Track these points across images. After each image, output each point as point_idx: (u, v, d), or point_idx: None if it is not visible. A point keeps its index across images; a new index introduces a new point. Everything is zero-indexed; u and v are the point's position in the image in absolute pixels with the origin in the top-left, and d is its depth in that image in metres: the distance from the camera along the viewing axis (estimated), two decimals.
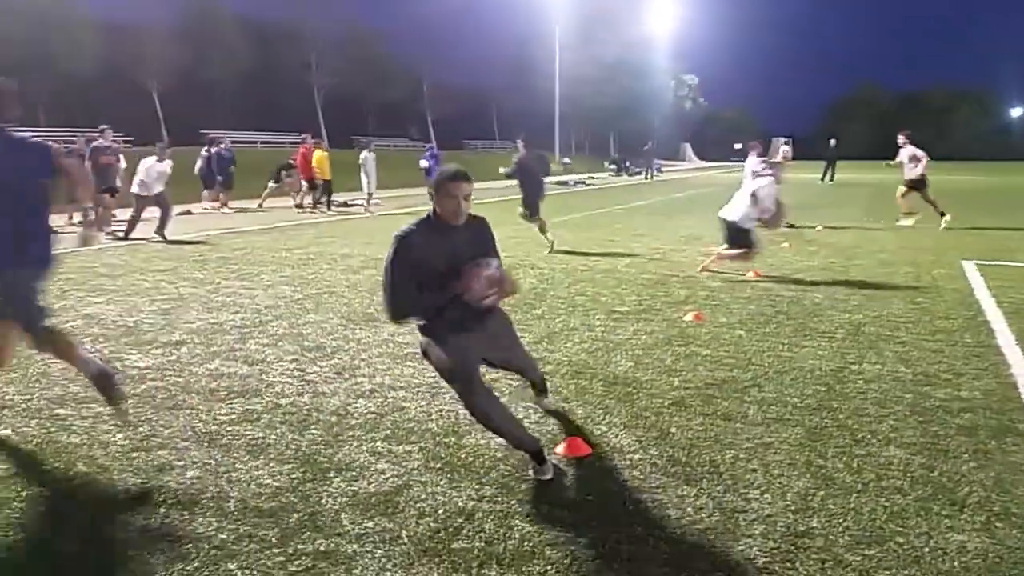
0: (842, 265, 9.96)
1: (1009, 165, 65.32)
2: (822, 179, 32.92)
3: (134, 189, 12.94)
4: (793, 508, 3.26)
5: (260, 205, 20.00)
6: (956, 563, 2.83)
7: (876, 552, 2.91)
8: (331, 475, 3.58)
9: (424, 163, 23.06)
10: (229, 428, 4.19)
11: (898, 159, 15.37)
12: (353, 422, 4.28)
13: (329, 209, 19.15)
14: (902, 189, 15.39)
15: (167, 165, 13.00)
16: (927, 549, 2.93)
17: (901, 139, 15.31)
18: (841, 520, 3.16)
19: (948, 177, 40.91)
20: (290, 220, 16.74)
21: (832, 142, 35.01)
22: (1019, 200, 23.40)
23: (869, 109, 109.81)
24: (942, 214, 14.55)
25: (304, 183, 19.74)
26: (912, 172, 14.96)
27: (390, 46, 59.80)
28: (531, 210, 11.37)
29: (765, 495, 3.39)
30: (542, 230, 11.55)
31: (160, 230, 12.63)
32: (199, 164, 19.84)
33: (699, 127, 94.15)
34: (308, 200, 19.75)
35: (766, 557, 2.87)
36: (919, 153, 14.84)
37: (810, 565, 2.82)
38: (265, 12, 54.83)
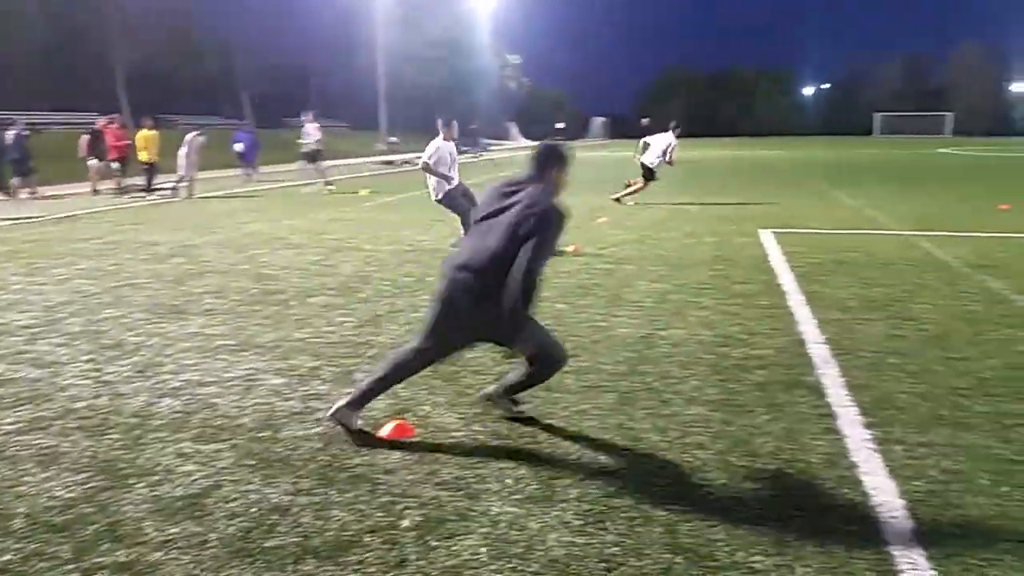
0: (654, 238, 10.50)
1: (804, 140, 71.40)
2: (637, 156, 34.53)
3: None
4: (605, 470, 3.41)
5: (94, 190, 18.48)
6: (751, 510, 3.07)
7: (680, 506, 3.09)
8: (132, 481, 3.35)
9: (238, 147, 21.94)
10: (16, 438, 3.82)
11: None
12: (157, 423, 4.02)
13: (150, 193, 17.86)
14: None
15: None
16: (726, 499, 3.15)
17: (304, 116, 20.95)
18: (648, 478, 3.33)
19: (752, 153, 44.21)
20: (91, 207, 15.46)
21: (644, 121, 36.79)
22: (811, 171, 25.63)
23: (682, 89, 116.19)
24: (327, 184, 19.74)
25: (115, 165, 18.31)
26: (307, 146, 20.41)
27: (200, 19, 56.14)
28: None
29: (580, 460, 3.52)
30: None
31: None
32: None
33: (524, 106, 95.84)
34: (122, 183, 18.33)
35: (580, 520, 2.98)
36: (312, 128, 20.33)
37: (620, 524, 2.96)
38: None
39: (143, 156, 18.20)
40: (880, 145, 53.52)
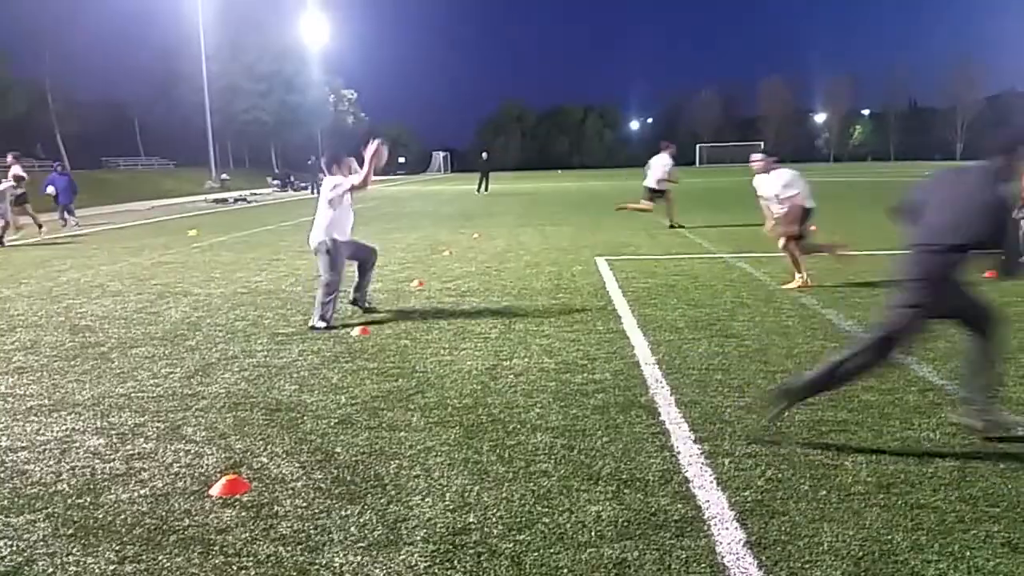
0: (496, 269, 10.66)
1: (631, 171, 75.13)
2: (477, 190, 35.10)
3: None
4: (452, 507, 3.38)
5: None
6: (593, 533, 3.13)
7: (526, 536, 3.11)
8: None
9: (50, 189, 20.40)
10: None
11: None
12: None
13: None
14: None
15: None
16: (569, 525, 3.20)
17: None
18: (495, 511, 3.34)
19: (584, 184, 46.01)
20: None
21: (484, 155, 37.53)
22: (636, 200, 26.91)
23: (516, 124, 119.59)
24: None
25: None
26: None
27: (3, 50, 51.76)
28: None
29: (426, 499, 3.47)
30: None
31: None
32: None
33: (363, 141, 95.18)
34: None
35: (426, 562, 2.93)
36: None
37: (467, 561, 2.93)
38: None
39: None
40: (704, 174, 57.11)
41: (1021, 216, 9.79)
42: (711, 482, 3.57)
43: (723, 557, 2.92)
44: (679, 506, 3.34)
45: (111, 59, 55.76)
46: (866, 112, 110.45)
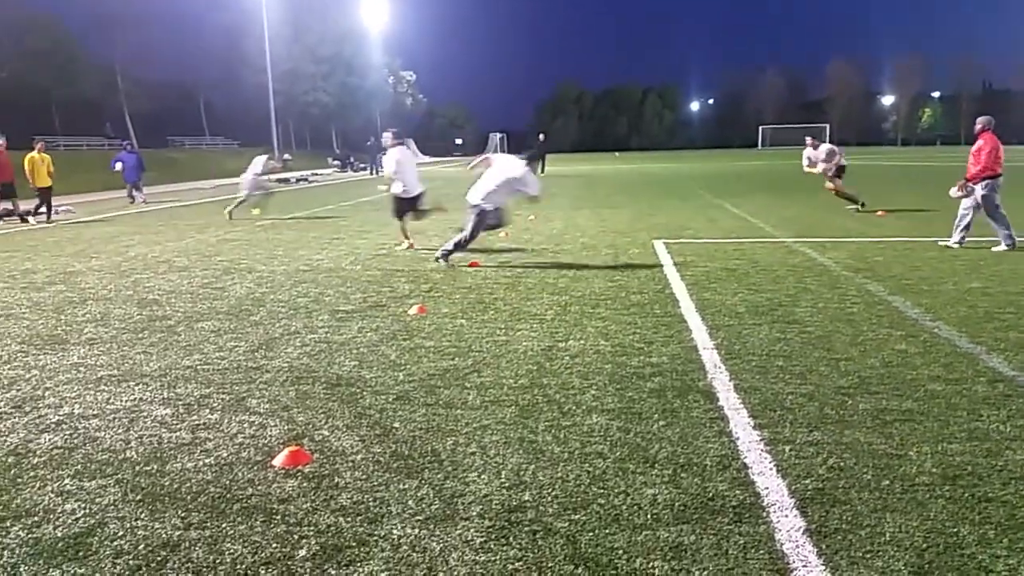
0: (552, 251, 10.64)
1: (692, 153, 73.99)
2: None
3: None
4: (507, 485, 3.40)
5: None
6: (649, 516, 3.11)
7: (581, 516, 3.11)
8: (7, 524, 3.12)
9: (118, 165, 21.03)
10: None
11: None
12: (36, 460, 3.77)
13: (49, 220, 17.09)
14: None
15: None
16: (624, 507, 3.19)
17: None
18: (550, 490, 3.34)
19: (642, 166, 45.54)
20: None
21: (540, 137, 37.43)
22: (701, 183, 26.57)
23: (574, 105, 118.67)
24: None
25: None
26: None
27: (77, 34, 53.49)
28: None
29: (482, 476, 3.50)
30: None
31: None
32: None
33: (421, 123, 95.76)
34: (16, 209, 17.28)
35: (482, 537, 2.96)
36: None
37: (523, 538, 2.95)
38: None
39: (37, 181, 17.23)
40: (766, 157, 56.11)
41: (967, 192, 9.74)
42: (771, 469, 3.51)
43: (782, 544, 2.87)
44: (737, 492, 3.30)
45: (178, 41, 57.13)
46: (936, 95, 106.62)
